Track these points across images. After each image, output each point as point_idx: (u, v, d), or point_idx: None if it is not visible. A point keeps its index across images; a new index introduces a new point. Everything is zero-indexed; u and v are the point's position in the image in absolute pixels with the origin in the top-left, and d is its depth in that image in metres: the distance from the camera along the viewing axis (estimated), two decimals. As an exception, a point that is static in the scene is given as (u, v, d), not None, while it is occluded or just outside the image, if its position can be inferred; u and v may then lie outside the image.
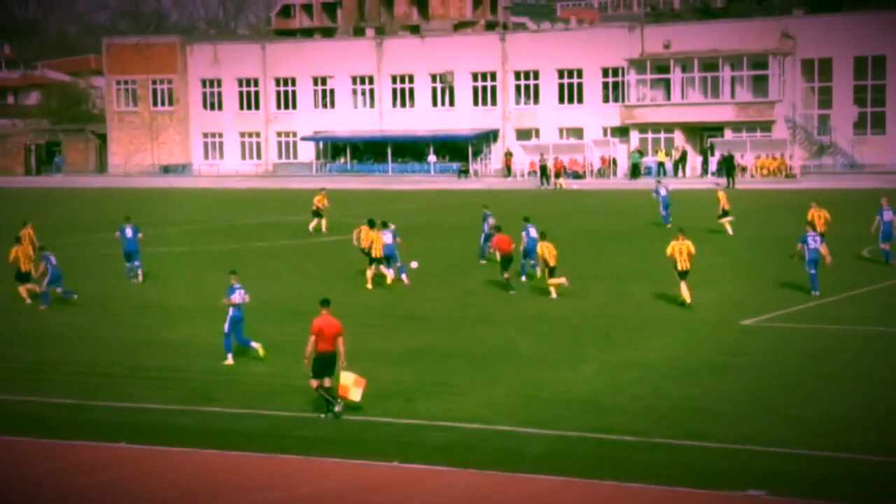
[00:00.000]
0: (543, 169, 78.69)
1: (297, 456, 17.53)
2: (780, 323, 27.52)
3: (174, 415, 20.09)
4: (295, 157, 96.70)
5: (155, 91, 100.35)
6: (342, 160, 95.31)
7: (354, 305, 30.80)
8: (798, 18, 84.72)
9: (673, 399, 20.52)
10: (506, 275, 32.27)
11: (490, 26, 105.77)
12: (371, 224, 33.74)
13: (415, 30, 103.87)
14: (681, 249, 29.10)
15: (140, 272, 35.29)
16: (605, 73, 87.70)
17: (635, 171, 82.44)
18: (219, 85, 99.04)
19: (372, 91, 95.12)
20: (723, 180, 68.51)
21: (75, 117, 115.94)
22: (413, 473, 16.73)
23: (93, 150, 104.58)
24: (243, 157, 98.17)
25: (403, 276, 33.93)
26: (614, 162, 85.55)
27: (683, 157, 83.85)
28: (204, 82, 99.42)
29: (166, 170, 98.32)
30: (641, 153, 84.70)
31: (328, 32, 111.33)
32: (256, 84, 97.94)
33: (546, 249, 30.77)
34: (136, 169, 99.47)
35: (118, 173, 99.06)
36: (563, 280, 31.02)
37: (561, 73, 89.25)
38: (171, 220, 55.39)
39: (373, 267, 33.39)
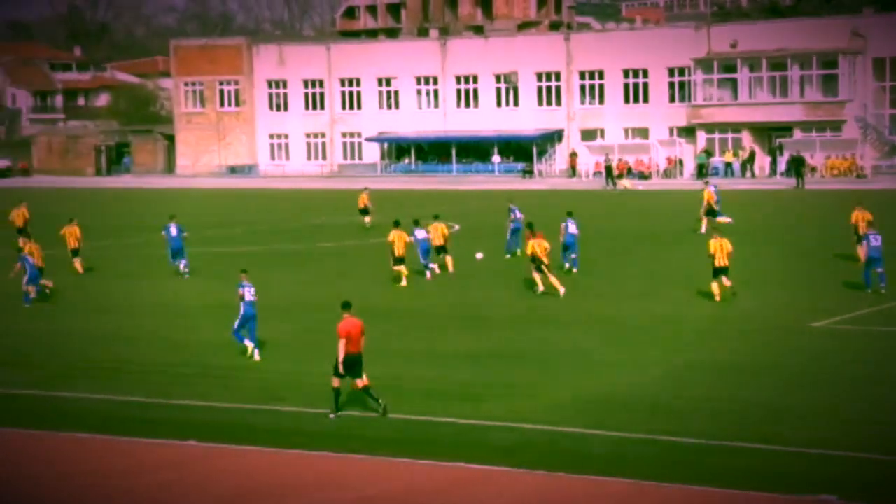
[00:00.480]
0: (609, 169, 78.34)
1: (363, 456, 17.58)
2: (850, 325, 27.16)
3: (244, 413, 20.24)
4: (360, 157, 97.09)
5: (222, 92, 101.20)
6: (406, 160, 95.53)
7: (420, 307, 30.87)
8: (868, 17, 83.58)
9: (741, 402, 20.33)
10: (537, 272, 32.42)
11: (554, 26, 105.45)
12: (396, 224, 34.70)
13: (479, 30, 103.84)
14: (720, 246, 29.70)
15: (186, 269, 36.41)
16: (672, 72, 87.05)
17: (701, 171, 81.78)
18: (284, 86, 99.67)
19: (436, 91, 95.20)
20: (713, 179, 67.44)
21: (144, 118, 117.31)
22: (478, 474, 16.71)
23: (161, 151, 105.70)
24: (309, 158, 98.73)
25: (427, 274, 34.82)
26: (680, 162, 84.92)
27: (751, 158, 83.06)
28: (270, 83, 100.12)
29: (233, 170, 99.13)
30: (709, 153, 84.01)
31: (392, 33, 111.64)
32: (322, 85, 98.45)
33: (538, 247, 30.74)
34: (204, 169, 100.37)
35: (186, 174, 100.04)
36: (561, 288, 30.98)
37: (626, 73, 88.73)
38: (236, 221, 55.84)
39: (398, 266, 34.20)
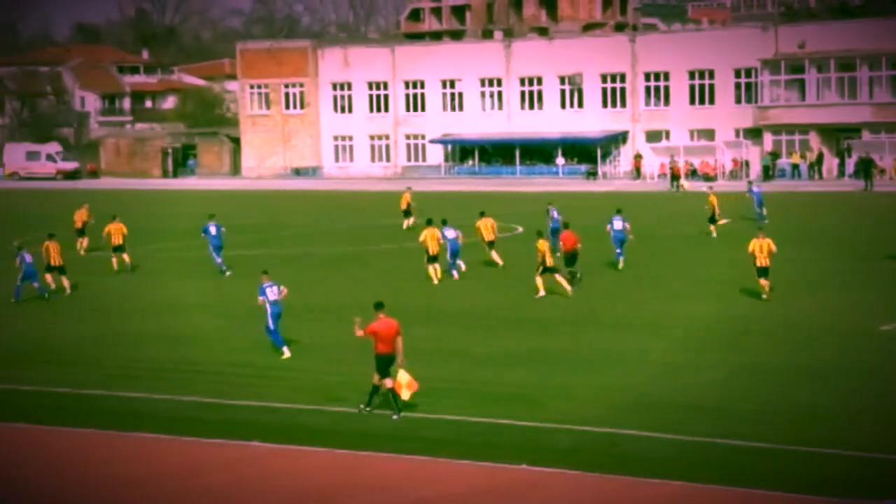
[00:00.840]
0: (673, 171, 77.84)
1: (423, 457, 17.60)
2: (920, 329, 26.75)
3: (303, 414, 20.36)
4: (423, 159, 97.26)
5: (287, 95, 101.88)
6: (470, 162, 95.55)
7: (477, 307, 30.87)
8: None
9: (804, 406, 20.11)
10: (568, 271, 33.30)
11: (619, 27, 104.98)
12: (429, 223, 35.47)
13: (543, 32, 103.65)
14: (761, 247, 30.17)
15: (223, 266, 37.35)
16: (738, 73, 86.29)
17: (767, 172, 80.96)
18: (349, 88, 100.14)
19: (500, 93, 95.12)
20: (715, 183, 66.80)
21: (210, 121, 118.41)
22: (538, 477, 16.68)
23: (227, 153, 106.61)
24: (372, 160, 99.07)
25: (454, 273, 35.46)
26: (746, 164, 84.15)
27: (819, 160, 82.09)
28: (334, 86, 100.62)
29: (297, 172, 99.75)
30: (775, 155, 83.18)
31: (457, 35, 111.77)
32: (386, 87, 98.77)
33: (545, 247, 31.38)
34: (269, 171, 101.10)
35: (251, 176, 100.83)
36: (568, 288, 31.44)
37: (692, 75, 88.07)
38: (299, 222, 56.17)
39: (431, 264, 34.95)
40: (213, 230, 37.70)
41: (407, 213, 50.12)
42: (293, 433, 19.03)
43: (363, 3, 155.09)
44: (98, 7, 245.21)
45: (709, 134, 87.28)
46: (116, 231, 38.80)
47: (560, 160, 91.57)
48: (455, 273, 35.55)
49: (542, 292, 31.70)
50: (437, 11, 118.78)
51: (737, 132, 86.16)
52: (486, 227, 37.43)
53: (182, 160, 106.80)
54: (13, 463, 17.90)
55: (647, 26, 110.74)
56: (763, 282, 30.31)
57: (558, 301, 31.58)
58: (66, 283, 34.63)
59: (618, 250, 36.47)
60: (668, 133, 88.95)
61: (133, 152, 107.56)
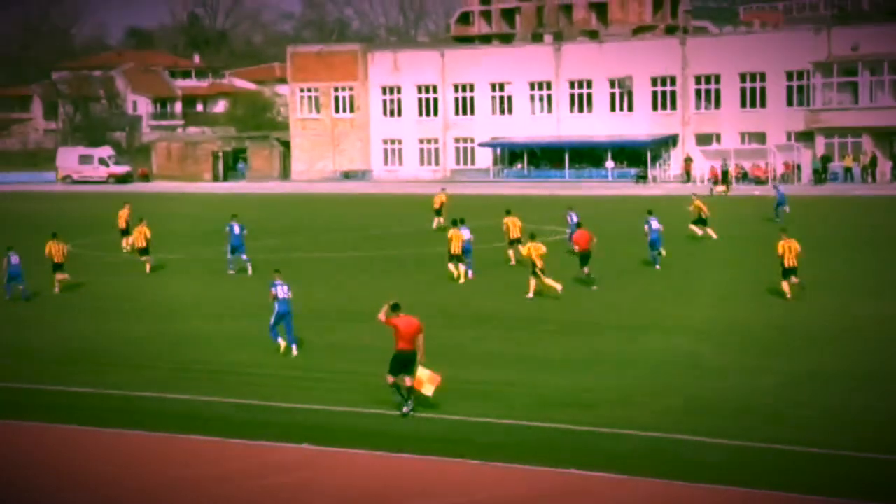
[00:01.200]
0: (725, 174, 77.27)
1: (475, 461, 17.54)
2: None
3: (352, 417, 20.35)
4: (472, 162, 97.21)
5: (337, 98, 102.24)
6: (519, 166, 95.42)
7: (530, 309, 30.77)
8: None
9: (858, 411, 19.85)
10: (585, 269, 34.22)
11: (670, 30, 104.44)
12: (454, 223, 36.82)
13: (593, 35, 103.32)
14: (789, 248, 30.63)
15: (248, 265, 38.18)
16: (790, 76, 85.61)
17: (819, 176, 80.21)
18: (398, 92, 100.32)
19: (549, 97, 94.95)
20: (700, 187, 65.80)
21: (260, 124, 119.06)
22: (591, 481, 16.57)
23: (277, 157, 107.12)
24: (422, 163, 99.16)
25: (469, 273, 36.27)
26: (798, 167, 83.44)
27: (873, 163, 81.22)
28: (384, 89, 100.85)
29: (347, 176, 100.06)
30: (828, 158, 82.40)
31: (506, 38, 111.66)
32: (435, 90, 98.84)
33: (534, 250, 31.75)
34: (319, 175, 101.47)
35: (301, 179, 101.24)
36: (557, 287, 31.82)
37: (743, 77, 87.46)
38: (347, 226, 56.32)
39: (452, 262, 36.09)
40: (235, 229, 38.65)
41: (438, 213, 51.37)
42: (343, 436, 19.03)
43: (413, 7, 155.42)
44: (151, 12, 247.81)
45: (760, 137, 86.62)
46: (140, 234, 39.61)
47: (610, 163, 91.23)
48: (470, 273, 36.23)
49: (531, 294, 32.38)
50: (486, 15, 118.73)
51: (788, 135, 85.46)
52: (514, 225, 38.66)
53: (232, 164, 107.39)
54: (70, 464, 18.03)
55: (697, 29, 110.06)
56: (786, 285, 30.63)
57: (607, 304, 31.43)
58: (58, 278, 35.70)
59: (653, 252, 37.60)
60: (718, 136, 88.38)
61: (184, 156, 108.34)
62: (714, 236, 44.65)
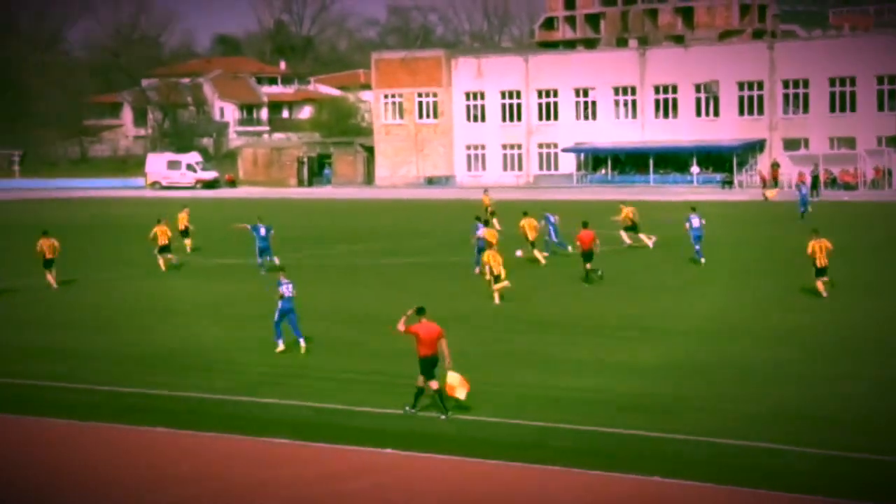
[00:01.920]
0: (815, 180, 76.09)
1: (554, 467, 17.33)
2: None
3: (435, 422, 20.22)
4: (556, 168, 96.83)
5: (420, 104, 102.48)
6: (603, 171, 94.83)
7: (609, 316, 30.44)
8: None
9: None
10: (587, 265, 36.07)
11: (757, 35, 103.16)
12: (525, 213, 41.51)
13: (679, 40, 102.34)
14: (820, 247, 31.21)
15: (276, 260, 39.00)
16: (881, 80, 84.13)
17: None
18: (482, 97, 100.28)
19: (634, 102, 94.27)
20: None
21: (345, 130, 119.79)
22: (674, 489, 16.28)
23: (361, 163, 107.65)
24: (505, 169, 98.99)
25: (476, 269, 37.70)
26: (889, 173, 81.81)
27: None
28: (468, 95, 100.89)
29: (430, 181, 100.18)
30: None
31: (591, 44, 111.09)
32: (519, 96, 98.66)
33: (491, 257, 32.87)
34: (402, 181, 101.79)
35: (385, 185, 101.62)
36: (506, 283, 32.71)
37: (832, 82, 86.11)
38: (429, 231, 56.30)
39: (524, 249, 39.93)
40: (262, 231, 39.65)
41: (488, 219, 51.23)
42: (422, 440, 18.91)
43: (497, 13, 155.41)
44: (238, 19, 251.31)
45: (849, 142, 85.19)
46: (162, 233, 41.47)
47: (695, 169, 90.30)
48: (477, 269, 37.70)
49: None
50: (571, 20, 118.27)
51: (879, 140, 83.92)
52: (530, 227, 41.25)
53: (318, 169, 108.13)
54: (150, 465, 18.14)
55: (785, 33, 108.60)
56: (820, 284, 31.31)
57: (691, 310, 31.02)
58: (50, 277, 37.29)
59: (696, 247, 39.41)
60: (806, 141, 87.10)
61: (270, 162, 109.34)
62: (650, 244, 43.79)
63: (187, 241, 46.54)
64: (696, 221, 39.46)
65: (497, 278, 32.56)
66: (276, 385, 23.18)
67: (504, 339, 27.40)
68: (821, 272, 31.29)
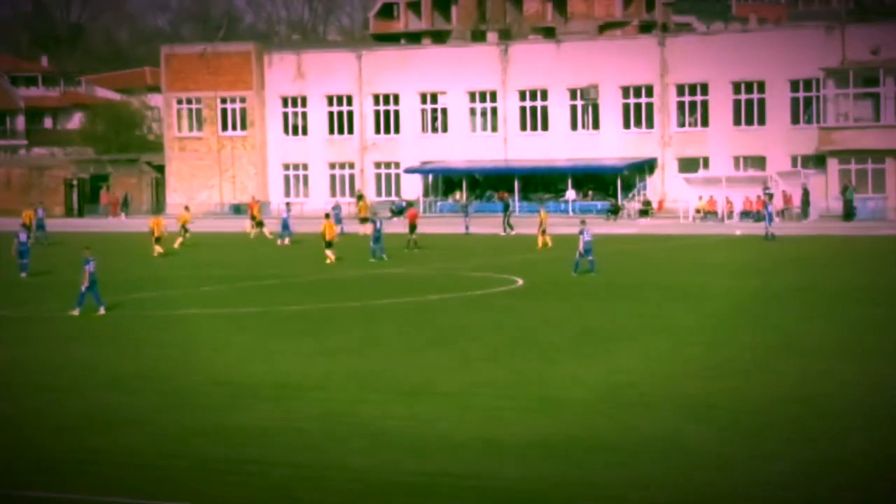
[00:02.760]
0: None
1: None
2: None
3: None
4: (397, 193, 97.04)
5: (224, 112, 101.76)
6: (457, 195, 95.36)
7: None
8: None
9: None
10: None
11: (646, 28, 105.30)
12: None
13: (549, 33, 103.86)
14: None
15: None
16: (795, 86, 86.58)
17: (850, 210, 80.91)
18: (303, 104, 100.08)
19: (495, 110, 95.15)
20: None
21: (126, 145, 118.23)
22: None
23: (148, 186, 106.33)
24: (333, 194, 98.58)
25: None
26: (806, 198, 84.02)
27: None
28: (285, 101, 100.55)
29: (238, 210, 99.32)
30: (848, 188, 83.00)
31: (440, 37, 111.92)
32: (350, 102, 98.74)
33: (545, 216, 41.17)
34: (202, 208, 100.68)
35: (178, 213, 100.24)
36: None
37: (737, 87, 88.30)
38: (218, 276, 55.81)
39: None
40: (90, 267, 41.55)
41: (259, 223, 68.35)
42: None
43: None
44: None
45: (758, 162, 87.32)
46: (156, 224, 63.71)
47: (570, 194, 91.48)
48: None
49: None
50: (414, 6, 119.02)
51: (794, 160, 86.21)
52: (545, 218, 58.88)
53: (91, 194, 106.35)
54: None
55: (680, 26, 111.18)
56: None
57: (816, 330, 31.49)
58: None
59: (587, 258, 50.39)
60: (706, 160, 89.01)
61: (28, 184, 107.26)
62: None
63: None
64: (586, 236, 50.38)
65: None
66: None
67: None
68: None
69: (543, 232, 63.26)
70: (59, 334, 38.53)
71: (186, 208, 77.51)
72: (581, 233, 50.93)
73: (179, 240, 67.86)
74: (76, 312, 40.46)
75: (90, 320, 40.73)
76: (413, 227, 64.69)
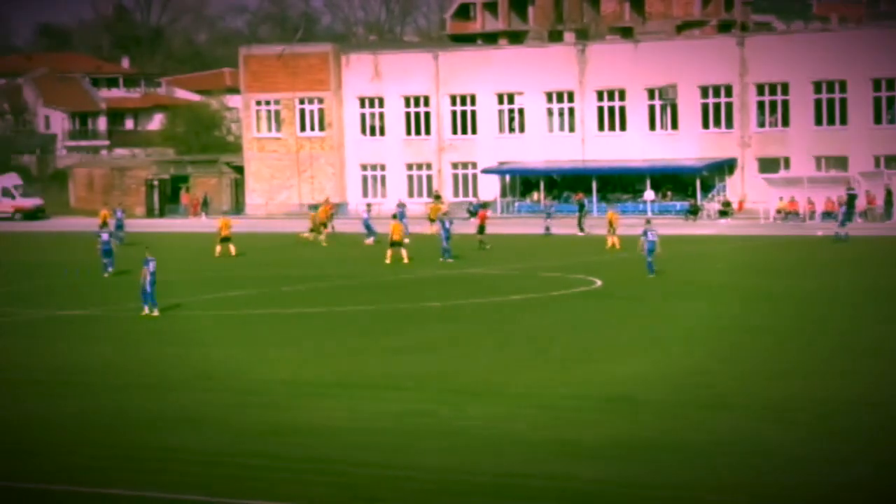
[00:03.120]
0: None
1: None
2: None
3: None
4: (474, 193, 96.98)
5: (303, 113, 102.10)
6: (535, 196, 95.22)
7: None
8: None
9: None
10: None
11: (725, 27, 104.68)
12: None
13: (627, 33, 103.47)
14: None
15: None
16: (877, 85, 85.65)
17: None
18: (380, 104, 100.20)
19: (572, 110, 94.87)
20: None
21: (206, 146, 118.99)
22: None
23: (227, 187, 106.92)
24: (410, 194, 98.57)
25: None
26: (889, 198, 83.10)
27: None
28: (362, 101, 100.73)
29: (315, 209, 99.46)
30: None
31: (517, 37, 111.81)
32: (427, 103, 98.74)
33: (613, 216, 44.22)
34: (281, 209, 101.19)
35: (258, 214, 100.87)
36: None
37: (818, 87, 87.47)
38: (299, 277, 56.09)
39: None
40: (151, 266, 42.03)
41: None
42: None
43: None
44: (68, 5, 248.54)
45: (840, 162, 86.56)
46: (224, 224, 63.43)
47: (648, 194, 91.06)
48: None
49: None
50: (491, 7, 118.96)
51: (876, 160, 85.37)
52: (615, 219, 60.35)
53: (171, 195, 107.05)
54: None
55: (759, 26, 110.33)
56: None
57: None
58: None
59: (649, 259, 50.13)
60: (787, 161, 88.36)
61: (110, 185, 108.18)
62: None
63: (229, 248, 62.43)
64: (651, 235, 49.95)
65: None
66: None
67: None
68: None
69: (613, 232, 62.99)
70: (138, 333, 38.97)
71: (326, 201, 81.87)
72: (644, 233, 50.70)
73: (325, 232, 71.61)
74: (154, 312, 41.02)
75: (165, 320, 41.11)
76: (482, 228, 65.24)
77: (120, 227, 72.84)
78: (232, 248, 63.10)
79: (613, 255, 60.98)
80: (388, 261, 57.32)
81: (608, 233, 63.32)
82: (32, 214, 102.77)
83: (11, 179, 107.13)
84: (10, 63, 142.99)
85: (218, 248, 63.09)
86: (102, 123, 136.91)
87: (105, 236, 56.16)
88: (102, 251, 54.85)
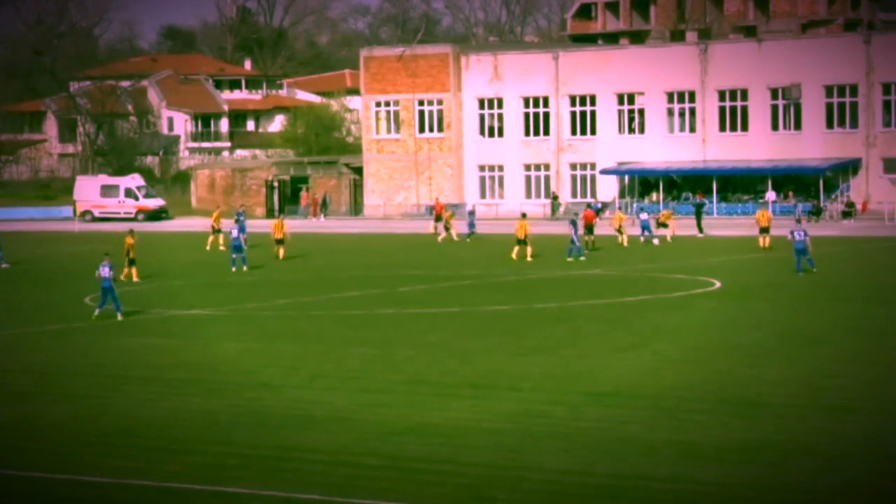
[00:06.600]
0: None
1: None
2: None
3: None
4: (593, 194, 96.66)
5: (422, 114, 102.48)
6: (654, 196, 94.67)
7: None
8: None
9: None
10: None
11: (851, 26, 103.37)
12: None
13: (750, 32, 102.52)
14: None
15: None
16: None
17: None
18: (499, 105, 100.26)
19: (693, 111, 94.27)
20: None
21: (325, 147, 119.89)
22: None
23: (346, 188, 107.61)
24: (528, 196, 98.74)
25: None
26: None
27: None
28: (481, 102, 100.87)
29: (431, 211, 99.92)
30: None
31: (638, 37, 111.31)
32: (546, 104, 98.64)
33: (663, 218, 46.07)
34: (398, 210, 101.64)
35: (376, 216, 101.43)
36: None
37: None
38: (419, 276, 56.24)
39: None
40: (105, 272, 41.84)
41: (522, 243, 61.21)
42: None
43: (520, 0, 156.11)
44: (192, 7, 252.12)
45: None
46: (278, 226, 62.91)
47: (770, 195, 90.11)
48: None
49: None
50: (612, 7, 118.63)
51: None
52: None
53: (291, 196, 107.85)
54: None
55: (887, 24, 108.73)
56: None
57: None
58: None
59: (799, 259, 50.33)
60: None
61: (231, 186, 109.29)
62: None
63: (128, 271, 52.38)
64: (798, 235, 50.13)
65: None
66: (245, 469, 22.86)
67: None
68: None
69: (765, 231, 62.35)
70: (261, 332, 39.22)
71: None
72: (791, 232, 51.01)
73: (453, 231, 73.38)
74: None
75: (288, 319, 41.34)
76: (590, 229, 65.41)
77: (242, 229, 73.33)
78: (281, 251, 62.15)
79: (766, 253, 60.97)
80: (514, 257, 59.45)
81: (759, 232, 62.92)
82: (155, 215, 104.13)
83: (135, 181, 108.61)
84: (135, 65, 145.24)
85: (281, 251, 62.26)
86: (224, 125, 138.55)
87: (235, 233, 57.97)
88: (233, 247, 57.57)
